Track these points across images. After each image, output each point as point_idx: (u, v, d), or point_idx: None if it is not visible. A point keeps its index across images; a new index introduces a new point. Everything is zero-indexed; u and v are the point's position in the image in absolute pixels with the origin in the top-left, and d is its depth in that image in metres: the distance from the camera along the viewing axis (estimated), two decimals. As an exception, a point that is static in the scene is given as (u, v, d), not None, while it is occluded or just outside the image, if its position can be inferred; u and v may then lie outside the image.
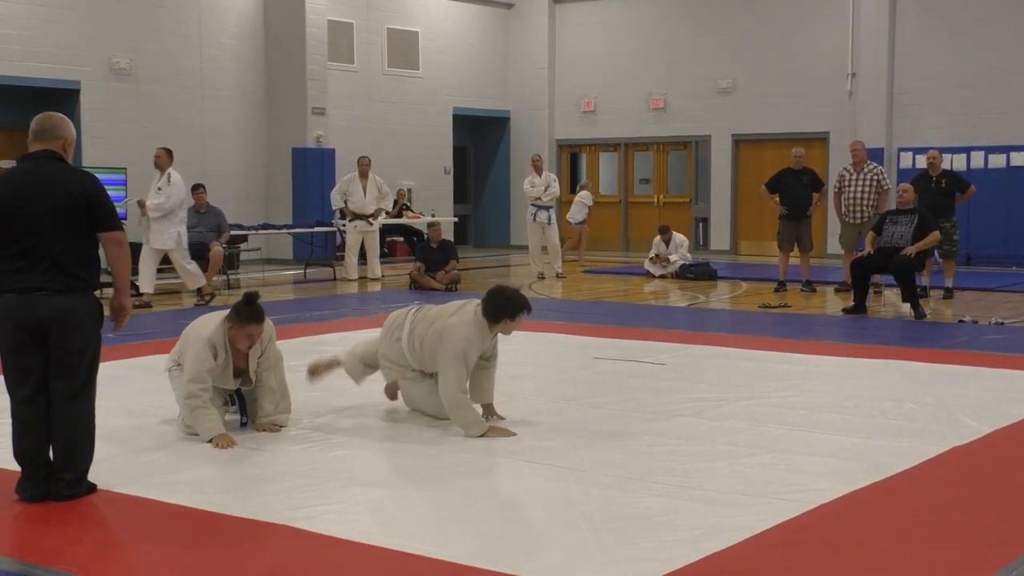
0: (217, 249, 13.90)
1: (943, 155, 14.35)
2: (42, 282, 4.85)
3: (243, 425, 6.34)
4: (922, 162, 15.16)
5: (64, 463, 4.96)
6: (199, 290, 12.98)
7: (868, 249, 11.87)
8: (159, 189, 12.73)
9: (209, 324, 6.18)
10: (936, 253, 13.14)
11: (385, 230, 17.59)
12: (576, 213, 19.06)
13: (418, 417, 6.60)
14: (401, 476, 5.63)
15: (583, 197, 19.22)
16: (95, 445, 5.07)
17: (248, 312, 6.04)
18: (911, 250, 11.48)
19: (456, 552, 4.26)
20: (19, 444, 5.00)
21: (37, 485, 4.96)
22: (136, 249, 11.85)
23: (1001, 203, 17.82)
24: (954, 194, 13.26)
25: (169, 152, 12.93)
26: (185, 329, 6.40)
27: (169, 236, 12.71)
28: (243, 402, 6.37)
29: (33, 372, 4.93)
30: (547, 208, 16.57)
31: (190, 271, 12.93)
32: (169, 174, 12.75)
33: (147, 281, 12.80)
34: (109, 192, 5.20)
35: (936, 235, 11.72)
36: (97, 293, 5.14)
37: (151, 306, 12.44)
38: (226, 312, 6.19)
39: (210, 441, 5.94)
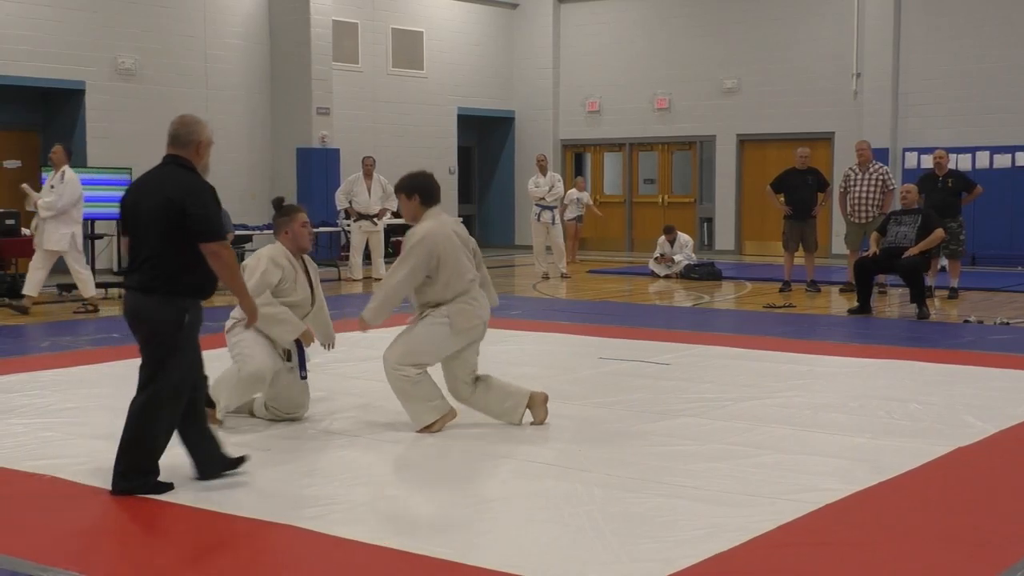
0: (222, 249, 13.86)
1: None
2: (133, 281, 5.11)
3: (304, 379, 6.48)
4: (927, 162, 15.15)
5: (117, 455, 5.09)
6: (85, 300, 12.10)
7: (873, 250, 11.86)
8: (52, 187, 11.90)
9: (261, 251, 6.45)
10: (941, 253, 13.13)
11: (390, 230, 17.58)
12: (569, 211, 19.03)
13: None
14: (405, 476, 5.64)
15: (569, 194, 19.15)
16: (147, 448, 5.08)
17: (288, 206, 6.59)
18: (914, 251, 11.47)
19: (460, 552, 4.27)
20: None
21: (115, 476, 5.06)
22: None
23: (1006, 203, 17.79)
24: (961, 194, 13.26)
25: (67, 150, 12.21)
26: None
27: (62, 237, 11.81)
28: (302, 354, 6.48)
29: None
30: (551, 208, 16.57)
31: (83, 277, 12.08)
32: (64, 171, 11.94)
33: (32, 284, 11.85)
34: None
35: (940, 233, 11.70)
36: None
37: (28, 312, 11.73)
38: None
39: (297, 340, 6.33)
